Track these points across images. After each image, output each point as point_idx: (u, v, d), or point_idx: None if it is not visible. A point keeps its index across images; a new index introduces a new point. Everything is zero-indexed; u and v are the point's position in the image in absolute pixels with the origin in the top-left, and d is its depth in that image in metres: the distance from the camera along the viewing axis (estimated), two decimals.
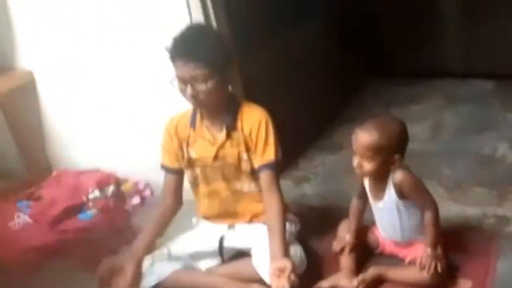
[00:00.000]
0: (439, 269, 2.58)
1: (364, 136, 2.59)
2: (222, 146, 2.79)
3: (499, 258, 2.77)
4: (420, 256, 2.63)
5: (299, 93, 4.09)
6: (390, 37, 4.79)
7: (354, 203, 2.88)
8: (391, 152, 2.60)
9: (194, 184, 2.92)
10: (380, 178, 2.70)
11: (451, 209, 3.13)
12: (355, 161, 2.63)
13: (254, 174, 2.81)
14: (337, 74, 4.71)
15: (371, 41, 4.81)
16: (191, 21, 3.11)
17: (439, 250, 2.65)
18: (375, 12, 4.73)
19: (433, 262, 2.58)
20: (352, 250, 2.80)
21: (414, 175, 2.67)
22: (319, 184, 3.65)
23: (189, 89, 2.62)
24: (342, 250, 2.79)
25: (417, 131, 3.85)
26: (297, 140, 3.52)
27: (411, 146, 2.71)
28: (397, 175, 2.63)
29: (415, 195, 2.67)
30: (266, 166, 2.75)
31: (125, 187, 3.69)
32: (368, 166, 2.61)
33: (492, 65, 4.57)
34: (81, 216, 3.42)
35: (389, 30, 4.78)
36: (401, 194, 2.67)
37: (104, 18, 3.42)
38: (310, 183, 3.68)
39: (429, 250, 2.62)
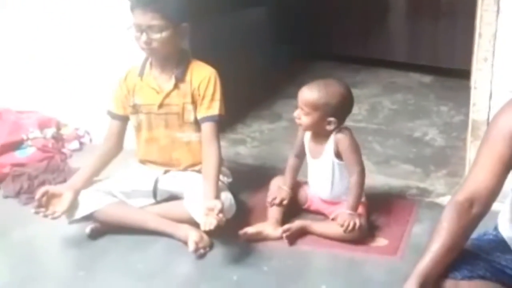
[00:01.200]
0: (357, 227, 2.73)
1: (306, 92, 2.78)
2: (168, 95, 2.90)
3: (416, 223, 2.94)
4: (339, 214, 2.79)
5: (242, 66, 4.21)
6: (338, 24, 4.95)
7: (291, 161, 3.02)
8: (328, 112, 2.77)
9: (138, 129, 3.02)
10: (319, 136, 2.86)
11: (378, 180, 3.28)
12: (296, 112, 2.81)
13: (196, 125, 2.92)
14: (282, 54, 4.93)
15: (318, 26, 4.96)
16: None
17: (360, 210, 2.81)
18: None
19: (351, 222, 2.72)
20: (286, 201, 2.92)
21: (353, 139, 2.85)
22: (254, 147, 3.77)
23: (143, 36, 2.76)
24: (280, 201, 2.91)
25: (353, 112, 3.95)
26: (237, 107, 3.61)
27: (345, 123, 2.87)
28: (338, 135, 2.81)
29: (347, 155, 2.81)
30: (210, 118, 2.89)
31: (65, 131, 3.75)
32: (304, 119, 2.79)
33: (431, 58, 4.78)
34: (19, 152, 3.48)
35: (337, 17, 4.94)
36: (338, 153, 2.82)
37: None
38: (246, 145, 3.79)
39: (348, 211, 2.77)
